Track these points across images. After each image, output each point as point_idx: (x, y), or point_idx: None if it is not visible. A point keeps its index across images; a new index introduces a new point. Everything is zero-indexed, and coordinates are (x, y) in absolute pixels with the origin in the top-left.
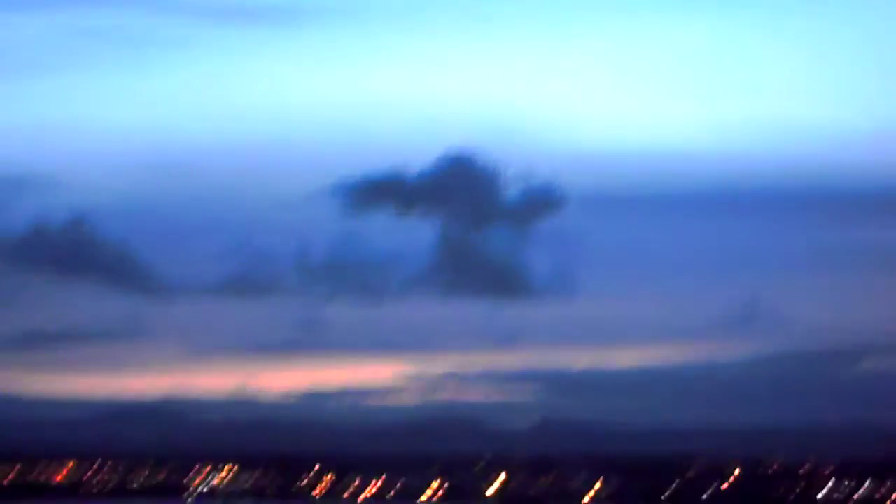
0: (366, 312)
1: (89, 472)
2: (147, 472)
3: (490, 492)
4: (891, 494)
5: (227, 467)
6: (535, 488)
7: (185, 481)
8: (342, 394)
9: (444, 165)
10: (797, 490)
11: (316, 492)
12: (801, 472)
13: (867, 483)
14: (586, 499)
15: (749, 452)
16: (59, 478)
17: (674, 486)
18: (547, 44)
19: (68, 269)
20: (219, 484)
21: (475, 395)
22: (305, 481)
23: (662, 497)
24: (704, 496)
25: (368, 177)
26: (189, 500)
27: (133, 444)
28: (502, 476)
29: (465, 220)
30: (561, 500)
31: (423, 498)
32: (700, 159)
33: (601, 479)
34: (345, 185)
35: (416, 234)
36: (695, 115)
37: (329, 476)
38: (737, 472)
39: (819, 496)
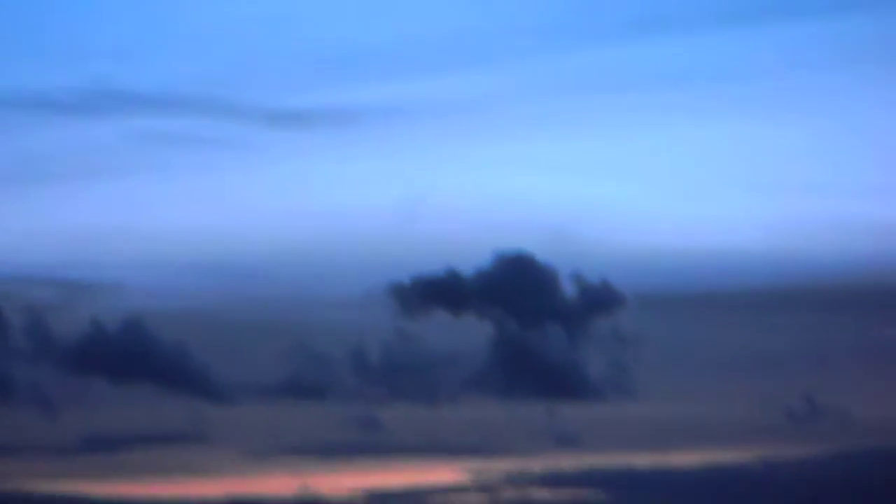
0: (424, 414)
1: None
2: None
3: None
4: None
5: None
6: None
7: None
8: (404, 495)
9: (498, 266)
10: None
11: None
12: None
13: None
14: None
15: None
16: None
17: None
18: (598, 143)
19: (126, 372)
20: None
21: (537, 497)
22: None
23: None
24: None
25: (423, 277)
26: None
27: None
28: None
29: (520, 321)
30: None
31: None
32: (757, 257)
33: None
34: (399, 286)
35: (472, 334)
36: (749, 213)
37: None
38: None
39: None
